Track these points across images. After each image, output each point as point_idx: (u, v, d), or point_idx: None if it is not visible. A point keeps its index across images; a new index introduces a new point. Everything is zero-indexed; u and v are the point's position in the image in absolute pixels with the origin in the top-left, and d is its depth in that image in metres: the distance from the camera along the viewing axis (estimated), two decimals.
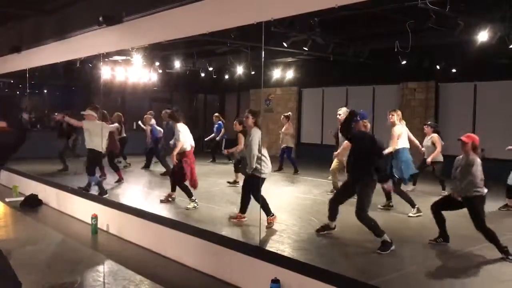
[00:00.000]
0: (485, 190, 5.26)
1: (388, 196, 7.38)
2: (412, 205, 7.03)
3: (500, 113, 11.17)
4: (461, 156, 5.52)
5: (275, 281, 4.21)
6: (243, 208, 6.45)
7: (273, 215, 6.21)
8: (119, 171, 9.70)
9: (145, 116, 11.67)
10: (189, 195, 7.31)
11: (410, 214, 6.99)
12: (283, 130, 11.71)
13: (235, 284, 4.74)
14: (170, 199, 7.77)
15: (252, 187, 6.23)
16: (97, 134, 8.00)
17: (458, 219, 5.79)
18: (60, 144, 11.37)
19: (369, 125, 5.98)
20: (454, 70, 11.76)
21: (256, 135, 6.28)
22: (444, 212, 5.56)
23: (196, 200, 7.31)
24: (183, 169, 7.34)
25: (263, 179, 6.13)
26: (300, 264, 4.39)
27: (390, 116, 7.36)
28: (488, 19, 7.90)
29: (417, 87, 12.87)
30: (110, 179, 9.48)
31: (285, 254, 5.07)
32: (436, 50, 10.91)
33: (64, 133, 11.36)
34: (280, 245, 5.50)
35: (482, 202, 5.22)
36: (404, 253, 5.43)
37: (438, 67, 11.80)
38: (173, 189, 7.76)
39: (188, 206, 7.23)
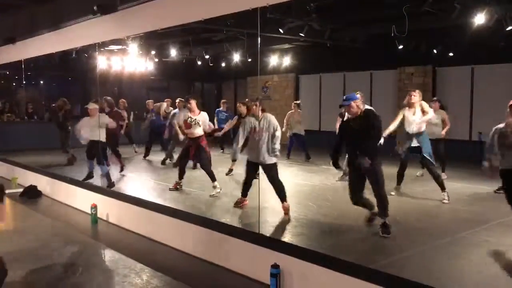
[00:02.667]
0: None
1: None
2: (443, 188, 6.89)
3: (498, 96, 11.16)
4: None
5: (275, 267, 4.24)
6: (245, 191, 6.56)
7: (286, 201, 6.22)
8: (120, 158, 9.72)
9: (162, 103, 11.73)
10: (214, 178, 7.46)
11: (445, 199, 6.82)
12: (295, 117, 11.50)
13: (236, 271, 4.77)
14: (178, 186, 7.86)
15: (274, 172, 6.23)
16: (96, 126, 8.17)
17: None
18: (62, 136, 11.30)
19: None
20: (451, 54, 11.74)
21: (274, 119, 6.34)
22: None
23: (218, 185, 7.43)
24: (206, 153, 7.58)
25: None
26: (300, 250, 4.42)
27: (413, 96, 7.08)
28: (485, 2, 7.86)
29: (415, 71, 12.86)
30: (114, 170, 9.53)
31: (285, 240, 5.10)
32: (433, 34, 10.87)
33: (62, 124, 11.32)
34: (279, 231, 5.53)
35: None
36: (403, 237, 5.47)
37: (435, 51, 11.77)
38: (181, 177, 7.85)
39: (213, 193, 7.33)
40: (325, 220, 6.08)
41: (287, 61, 14.89)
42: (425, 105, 7.08)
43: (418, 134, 7.01)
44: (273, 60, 14.67)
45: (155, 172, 10.20)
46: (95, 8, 6.74)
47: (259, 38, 5.42)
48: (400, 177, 7.34)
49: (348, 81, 14.42)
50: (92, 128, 8.19)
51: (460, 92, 12.06)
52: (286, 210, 6.14)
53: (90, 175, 8.45)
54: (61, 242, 5.88)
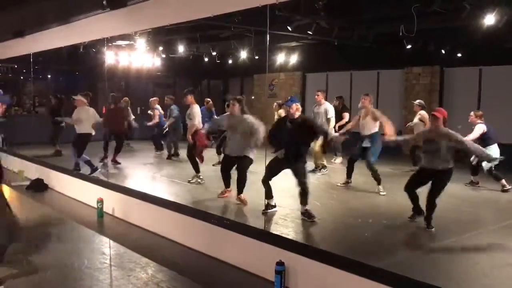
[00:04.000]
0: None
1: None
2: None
3: (506, 98, 11.11)
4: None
5: (280, 264, 4.25)
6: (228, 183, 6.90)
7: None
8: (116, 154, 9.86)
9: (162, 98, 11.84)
10: (197, 170, 7.84)
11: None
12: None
13: (241, 267, 4.79)
14: (199, 180, 8.01)
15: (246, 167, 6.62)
16: (86, 119, 8.52)
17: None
18: (54, 130, 11.41)
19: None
20: (459, 55, 11.67)
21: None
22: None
23: (201, 177, 7.82)
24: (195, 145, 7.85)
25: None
26: (304, 247, 4.43)
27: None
28: (495, 2, 7.81)
29: (422, 71, 12.79)
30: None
31: (290, 237, 5.11)
32: (441, 34, 10.81)
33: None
34: (284, 228, 5.54)
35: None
36: (408, 235, 5.48)
37: (443, 51, 11.71)
38: (197, 171, 8.04)
39: (191, 180, 7.77)
40: (329, 218, 6.08)
41: (294, 59, 14.87)
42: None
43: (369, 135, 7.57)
44: (280, 58, 14.64)
45: (160, 166, 10.24)
46: (104, 2, 6.75)
47: (267, 35, 5.42)
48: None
49: (355, 80, 14.37)
50: (78, 119, 8.52)
51: (468, 93, 11.99)
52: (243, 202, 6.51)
53: (76, 167, 8.66)
54: (67, 235, 5.93)
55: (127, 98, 11.61)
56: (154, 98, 11.98)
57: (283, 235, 5.00)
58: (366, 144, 7.55)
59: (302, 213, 5.85)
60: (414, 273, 3.82)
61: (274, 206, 6.18)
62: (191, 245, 5.43)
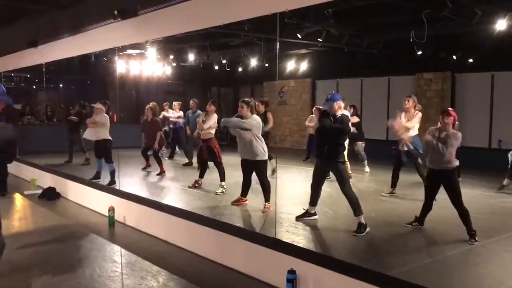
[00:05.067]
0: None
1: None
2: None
3: None
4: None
5: (292, 272, 4.22)
6: (246, 191, 6.86)
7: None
8: (161, 164, 9.95)
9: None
10: (223, 178, 7.87)
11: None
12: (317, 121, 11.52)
13: (252, 275, 4.77)
14: (196, 185, 8.15)
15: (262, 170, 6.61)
16: (103, 125, 8.65)
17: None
18: (73, 137, 11.53)
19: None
20: (470, 60, 11.59)
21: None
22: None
23: (224, 186, 7.79)
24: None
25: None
26: (316, 255, 4.40)
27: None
28: (506, 8, 7.76)
29: (433, 77, 12.72)
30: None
31: (301, 245, 5.07)
32: (452, 40, 10.76)
33: (74, 128, 11.52)
34: (295, 236, 5.51)
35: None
36: (421, 243, 5.41)
37: (454, 57, 11.64)
38: (201, 175, 8.22)
39: (217, 191, 7.73)
40: (341, 226, 6.03)
41: (304, 66, 14.88)
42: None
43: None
44: (290, 65, 14.67)
45: (175, 174, 10.27)
46: (115, 12, 6.82)
47: (277, 43, 5.44)
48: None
49: (366, 86, 14.34)
50: (97, 127, 8.62)
51: (480, 98, 11.90)
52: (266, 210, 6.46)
53: (97, 175, 8.72)
54: (79, 243, 5.95)
55: (155, 103, 11.65)
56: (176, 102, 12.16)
57: (294, 243, 4.98)
58: (406, 147, 7.36)
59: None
60: (427, 282, 3.77)
61: (314, 214, 6.07)
62: (202, 253, 5.42)
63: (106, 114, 8.82)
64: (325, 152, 5.73)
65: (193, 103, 10.92)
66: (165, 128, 11.84)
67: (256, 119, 6.64)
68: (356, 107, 10.88)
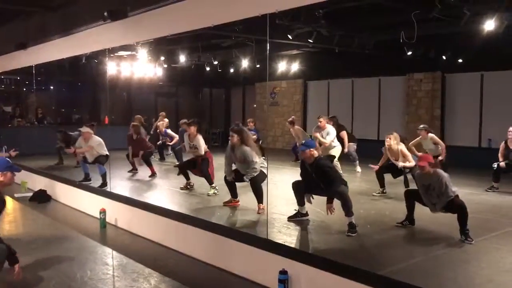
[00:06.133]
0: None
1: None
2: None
3: (508, 103, 11.09)
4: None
5: (283, 273, 4.23)
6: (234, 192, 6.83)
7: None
8: (151, 167, 9.88)
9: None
10: (211, 182, 7.80)
11: None
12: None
13: (244, 276, 4.77)
14: (188, 186, 8.10)
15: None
16: (98, 146, 8.55)
17: None
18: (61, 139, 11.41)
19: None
20: (460, 60, 11.67)
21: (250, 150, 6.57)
22: None
23: (216, 187, 7.72)
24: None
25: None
26: (308, 256, 4.42)
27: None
28: (494, 8, 7.83)
29: (423, 78, 12.80)
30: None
31: (293, 246, 5.08)
32: (442, 40, 10.83)
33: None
34: (287, 237, 5.51)
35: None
36: (413, 243, 5.44)
37: (444, 57, 11.72)
38: (188, 178, 8.11)
39: (209, 192, 7.66)
40: (333, 226, 6.04)
41: (295, 67, 14.91)
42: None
43: None
44: (282, 66, 14.69)
45: (166, 177, 10.23)
46: (105, 14, 6.81)
47: (268, 44, 5.45)
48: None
49: (357, 87, 14.40)
50: (90, 151, 8.55)
51: (470, 98, 11.99)
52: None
53: (87, 178, 8.64)
54: (70, 246, 5.91)
55: (139, 116, 11.50)
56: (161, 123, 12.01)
57: (286, 244, 4.98)
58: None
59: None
60: (419, 280, 3.79)
61: (306, 214, 6.05)
62: (194, 255, 5.42)
63: (95, 136, 8.71)
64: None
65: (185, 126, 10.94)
66: (159, 142, 11.79)
67: (248, 150, 6.54)
68: (336, 117, 10.73)
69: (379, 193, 7.73)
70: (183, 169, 8.17)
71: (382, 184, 7.77)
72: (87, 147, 8.55)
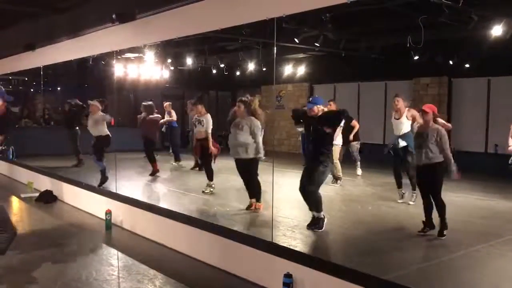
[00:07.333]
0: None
1: None
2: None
3: None
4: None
5: (288, 276, 4.23)
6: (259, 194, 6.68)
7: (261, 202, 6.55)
8: (155, 163, 9.89)
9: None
10: (211, 178, 7.80)
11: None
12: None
13: (248, 279, 4.77)
14: (211, 188, 7.99)
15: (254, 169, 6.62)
16: (100, 123, 8.62)
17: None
18: (70, 134, 11.46)
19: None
20: (467, 65, 11.63)
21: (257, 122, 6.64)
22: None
23: (213, 185, 7.76)
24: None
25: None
26: (312, 259, 4.41)
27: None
28: (502, 13, 7.81)
29: (430, 82, 12.77)
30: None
31: (297, 249, 5.08)
32: (449, 45, 10.80)
33: (70, 124, 11.47)
34: (292, 240, 5.52)
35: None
36: (417, 248, 5.43)
37: (451, 62, 11.68)
38: (211, 178, 8.05)
39: (205, 190, 7.71)
40: (338, 230, 6.04)
41: (301, 70, 14.91)
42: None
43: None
44: (288, 69, 14.70)
45: (172, 177, 10.26)
46: (114, 16, 6.85)
47: (275, 48, 5.46)
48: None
49: (363, 91, 14.38)
50: (94, 124, 8.64)
51: (476, 103, 11.94)
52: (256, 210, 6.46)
53: (104, 178, 8.54)
54: (75, 247, 5.94)
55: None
56: (168, 103, 12.11)
57: (291, 247, 4.99)
58: (401, 143, 7.31)
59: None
60: (424, 286, 3.79)
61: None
62: (199, 257, 5.43)
63: (101, 112, 8.76)
64: (310, 151, 5.78)
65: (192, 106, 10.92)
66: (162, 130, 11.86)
67: (255, 121, 6.63)
68: (333, 100, 10.58)
69: (401, 198, 7.46)
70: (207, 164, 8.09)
71: (399, 183, 7.48)
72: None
